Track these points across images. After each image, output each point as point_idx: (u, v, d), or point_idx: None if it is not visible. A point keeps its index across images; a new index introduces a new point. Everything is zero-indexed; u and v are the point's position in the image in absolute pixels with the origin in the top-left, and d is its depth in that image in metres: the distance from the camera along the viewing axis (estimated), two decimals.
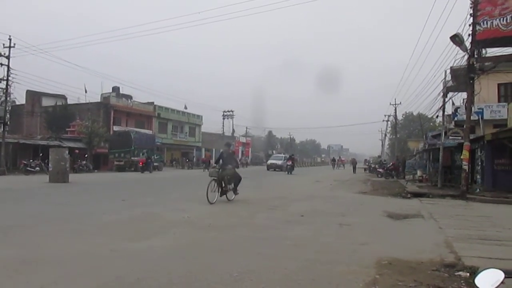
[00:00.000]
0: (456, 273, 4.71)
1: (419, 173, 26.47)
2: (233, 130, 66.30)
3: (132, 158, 35.97)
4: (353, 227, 8.10)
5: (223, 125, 64.21)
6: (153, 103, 51.72)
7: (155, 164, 39.10)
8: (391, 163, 33.43)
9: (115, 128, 42.99)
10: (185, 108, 57.11)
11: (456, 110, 22.96)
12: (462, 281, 4.43)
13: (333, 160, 63.29)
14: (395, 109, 51.25)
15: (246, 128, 78.72)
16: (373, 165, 41.68)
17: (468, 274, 4.60)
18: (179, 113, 56.58)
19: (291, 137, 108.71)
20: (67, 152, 21.06)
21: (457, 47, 15.11)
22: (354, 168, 43.15)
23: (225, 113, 64.39)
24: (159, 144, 46.02)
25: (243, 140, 78.14)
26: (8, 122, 32.49)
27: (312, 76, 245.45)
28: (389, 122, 60.49)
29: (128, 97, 48.73)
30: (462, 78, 17.24)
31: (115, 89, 48.28)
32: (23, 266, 4.85)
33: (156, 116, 51.50)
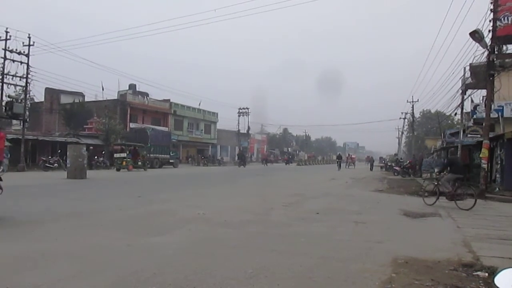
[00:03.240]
0: (474, 273, 4.63)
1: (436, 171, 26.08)
2: (249, 127, 66.24)
3: (149, 155, 36.31)
4: (369, 225, 8.03)
5: (238, 122, 64.24)
6: (169, 100, 52.10)
7: (170, 160, 39.48)
8: (408, 161, 33.04)
9: (132, 125, 43.43)
10: (199, 104, 57.42)
11: (475, 107, 22.55)
12: (480, 281, 4.35)
13: (339, 157, 45.82)
14: (413, 107, 50.67)
15: (262, 125, 78.75)
16: (389, 163, 41.32)
17: (486, 274, 4.52)
18: (195, 110, 56.86)
19: (307, 134, 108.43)
20: (84, 148, 21.35)
21: (477, 44, 14.81)
22: (372, 166, 43.69)
23: (240, 110, 64.38)
24: (175, 141, 46.35)
25: (258, 137, 78.19)
26: (28, 119, 33.07)
27: (329, 73, 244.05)
28: (406, 120, 59.94)
29: (145, 94, 49.19)
30: (481, 75, 16.92)
31: (132, 87, 48.80)
32: (42, 259, 4.95)
33: (172, 113, 51.85)
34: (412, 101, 49.99)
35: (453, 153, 14.06)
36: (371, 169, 41.63)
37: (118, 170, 29.70)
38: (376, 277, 4.37)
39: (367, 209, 10.59)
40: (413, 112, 51.97)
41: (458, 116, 23.65)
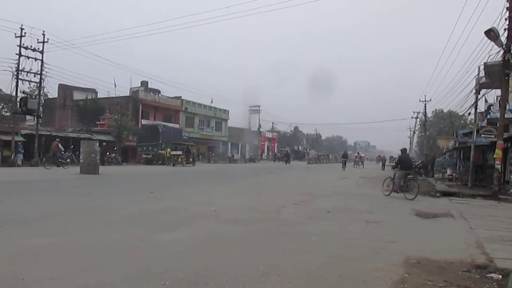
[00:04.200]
0: (487, 275, 4.60)
1: (449, 171, 25.85)
2: (259, 125, 66.37)
3: (160, 151, 36.54)
4: (381, 225, 8.00)
5: (249, 120, 64.33)
6: (180, 97, 52.26)
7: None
8: (420, 161, 32.79)
9: (144, 121, 43.67)
10: (211, 102, 57.56)
11: (489, 107, 22.23)
12: (494, 283, 4.32)
13: (344, 155, 41.59)
14: (425, 106, 50.17)
15: (272, 123, 78.70)
16: None
17: (500, 276, 4.49)
18: (206, 108, 57.00)
19: (317, 133, 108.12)
20: (97, 144, 21.54)
21: (492, 42, 14.63)
22: (383, 165, 43.44)
23: (251, 108, 64.45)
24: (186, 138, 46.51)
25: (269, 135, 78.16)
26: (41, 115, 33.44)
27: (340, 71, 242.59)
28: (418, 119, 59.44)
29: (156, 91, 49.40)
30: (496, 75, 16.69)
31: (144, 84, 49.04)
32: (57, 253, 5.04)
33: (183, 110, 52.03)
34: (425, 100, 49.53)
35: (404, 151, 15.07)
36: (382, 168, 41.39)
37: (173, 165, 34.13)
38: (388, 277, 4.36)
39: (378, 209, 10.55)
40: (425, 112, 51.52)
41: (472, 116, 23.36)
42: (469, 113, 23.99)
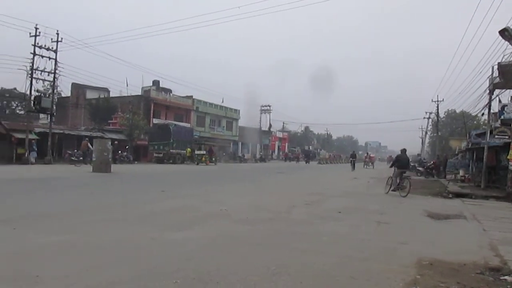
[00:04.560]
0: (501, 277, 4.54)
1: (461, 172, 25.55)
2: (270, 125, 66.26)
3: (171, 150, 36.73)
4: (392, 226, 7.95)
5: (260, 120, 64.33)
6: (191, 96, 52.45)
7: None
8: (432, 162, 32.47)
9: (155, 121, 43.90)
10: (222, 102, 57.69)
11: (503, 108, 21.93)
12: (508, 286, 4.28)
13: (353, 155, 39.46)
14: (437, 106, 49.68)
15: (283, 123, 78.58)
16: (412, 164, 40.65)
17: None
18: (217, 107, 57.13)
19: (328, 133, 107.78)
20: (110, 143, 21.74)
21: (506, 42, 14.43)
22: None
23: (262, 108, 64.46)
24: (197, 138, 46.65)
25: (279, 135, 78.08)
26: (55, 114, 33.83)
27: (351, 70, 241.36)
28: (430, 120, 58.91)
29: (168, 90, 49.64)
30: (510, 75, 16.47)
31: (155, 83, 49.30)
32: (69, 250, 5.10)
33: (194, 109, 52.22)
34: (437, 101, 49.04)
35: (403, 151, 15.68)
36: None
37: (197, 164, 36.23)
38: (400, 278, 4.33)
39: (389, 209, 10.49)
40: (437, 112, 51.02)
41: (485, 117, 23.05)
42: (483, 114, 23.69)
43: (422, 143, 70.94)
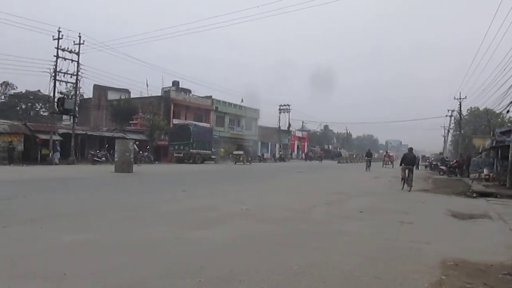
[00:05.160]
0: None
1: (485, 171, 24.99)
2: (289, 124, 66.10)
3: (191, 150, 37.04)
4: (415, 226, 7.84)
5: (279, 119, 64.25)
6: (211, 97, 52.73)
7: (212, 156, 40.04)
8: (455, 161, 31.89)
9: (175, 121, 44.32)
10: (242, 101, 57.80)
11: None
12: None
13: (368, 154, 36.32)
14: (460, 104, 48.74)
15: (302, 122, 78.33)
16: (434, 162, 40.02)
17: None
18: (236, 107, 57.26)
19: (348, 131, 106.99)
20: (131, 143, 22.05)
21: None
22: (417, 165, 42.25)
23: (281, 107, 64.36)
24: (216, 137, 46.89)
25: (299, 134, 77.85)
26: (77, 115, 34.49)
27: (372, 67, 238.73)
28: (452, 118, 57.85)
29: (187, 91, 50.04)
30: None
31: (175, 84, 49.74)
32: (95, 249, 5.21)
33: (214, 109, 52.48)
34: (460, 98, 48.10)
35: (410, 150, 17.55)
36: (417, 168, 40.48)
37: (235, 163, 39.68)
38: (425, 279, 4.27)
39: (412, 209, 10.34)
40: (460, 110, 50.05)
41: (510, 114, 22.55)
42: (508, 111, 23.17)
43: (445, 141, 69.75)
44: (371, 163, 35.19)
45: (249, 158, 42.76)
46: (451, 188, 16.99)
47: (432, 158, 51.29)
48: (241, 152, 42.66)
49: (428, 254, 5.42)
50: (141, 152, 33.91)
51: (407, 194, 14.28)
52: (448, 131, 64.93)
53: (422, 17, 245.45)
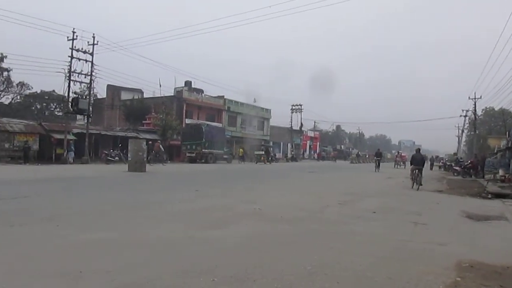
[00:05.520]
0: None
1: (501, 172, 24.63)
2: (301, 124, 65.96)
3: (203, 150, 37.16)
4: (429, 226, 7.77)
5: (291, 119, 64.15)
6: (223, 96, 52.84)
7: (224, 156, 40.16)
8: (469, 161, 31.50)
9: (187, 121, 44.47)
10: (254, 101, 57.82)
11: None
12: None
13: (378, 154, 34.76)
14: (475, 104, 48.11)
15: (314, 122, 78.09)
16: (448, 163, 39.58)
17: None
18: (248, 107, 57.26)
19: (360, 131, 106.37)
20: (144, 143, 22.21)
21: None
22: (431, 165, 41.83)
23: (293, 107, 64.25)
24: (228, 137, 46.99)
25: (311, 134, 77.63)
26: (91, 115, 34.85)
27: (385, 66, 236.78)
28: (467, 118, 57.18)
29: (200, 91, 50.21)
30: None
31: (187, 84, 49.95)
32: (110, 247, 5.26)
33: (226, 109, 52.54)
34: (475, 98, 47.49)
35: (417, 151, 18.65)
36: (431, 168, 40.09)
37: (256, 163, 41.34)
38: (440, 280, 4.24)
39: (426, 210, 10.26)
40: (475, 110, 49.41)
41: None
42: None
43: (459, 142, 69.02)
44: (381, 163, 34.06)
45: (270, 158, 44.30)
46: (466, 189, 16.80)
47: (446, 159, 50.64)
48: (262, 152, 44.19)
49: (442, 256, 5.37)
50: (153, 151, 34.12)
51: (421, 194, 14.17)
52: (462, 131, 64.29)
53: (440, 11, 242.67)
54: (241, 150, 44.39)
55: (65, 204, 8.97)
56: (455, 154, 56.00)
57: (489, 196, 14.19)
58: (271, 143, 59.32)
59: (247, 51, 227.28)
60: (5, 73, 40.42)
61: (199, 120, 45.37)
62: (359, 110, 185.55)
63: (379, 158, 33.92)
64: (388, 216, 8.93)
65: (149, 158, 30.50)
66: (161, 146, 33.18)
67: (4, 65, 39.67)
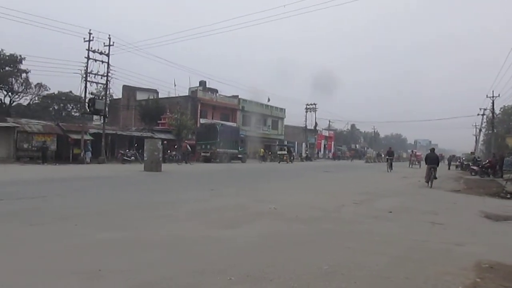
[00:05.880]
0: None
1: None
2: (316, 123, 65.70)
3: (218, 149, 37.29)
4: (447, 226, 7.67)
5: (305, 118, 63.96)
6: (237, 96, 52.96)
7: (239, 155, 40.24)
8: (488, 161, 30.98)
9: (202, 120, 44.70)
10: (268, 101, 57.79)
11: None
12: None
13: (389, 153, 31.73)
14: (493, 102, 47.34)
15: (329, 121, 77.75)
16: (465, 162, 38.99)
17: None
18: (263, 106, 57.27)
19: (375, 131, 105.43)
20: (160, 143, 22.38)
21: None
22: (449, 165, 41.36)
23: (307, 106, 64.04)
24: (243, 137, 47.08)
25: (325, 133, 77.29)
26: (107, 115, 35.25)
27: (399, 64, 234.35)
28: (484, 116, 56.27)
29: (214, 91, 50.42)
30: None
31: (202, 83, 50.22)
32: (127, 246, 5.33)
33: (240, 109, 52.65)
34: (493, 96, 46.73)
35: (432, 150, 19.33)
36: (449, 168, 39.59)
37: (278, 162, 43.08)
38: (458, 281, 4.18)
39: (443, 210, 10.12)
40: (493, 108, 48.61)
41: None
42: None
43: (476, 141, 67.93)
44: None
45: (291, 158, 46.45)
46: (484, 188, 16.53)
47: (463, 158, 49.89)
48: (285, 152, 46.52)
49: (460, 256, 5.31)
50: (169, 151, 34.37)
51: (437, 194, 14.00)
52: (480, 130, 63.27)
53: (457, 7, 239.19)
54: (262, 150, 46.16)
55: (83, 204, 9.10)
56: (472, 153, 55.12)
57: (508, 196, 13.93)
58: (285, 143, 59.33)
59: (259, 51, 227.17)
60: (23, 75, 41.05)
61: (214, 120, 45.55)
62: (374, 109, 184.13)
63: (391, 158, 31.33)
64: (404, 216, 8.85)
65: (177, 157, 33.62)
66: (188, 146, 34.76)
67: (22, 66, 40.30)
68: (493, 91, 47.23)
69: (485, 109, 54.19)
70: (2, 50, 39.28)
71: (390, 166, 30.04)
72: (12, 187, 11.79)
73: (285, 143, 61.29)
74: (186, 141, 36.35)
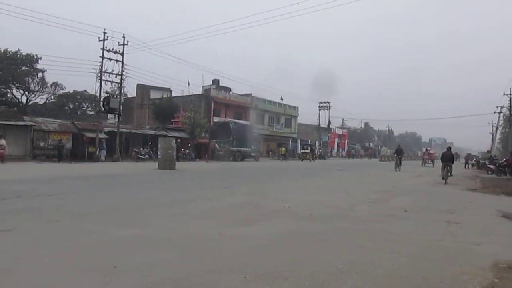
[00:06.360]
0: None
1: None
2: (329, 122, 65.42)
3: (231, 148, 37.37)
4: (463, 226, 7.56)
5: (319, 117, 63.71)
6: (250, 94, 52.98)
7: (252, 154, 40.26)
8: (505, 159, 30.47)
9: (215, 119, 44.84)
10: (282, 99, 57.70)
11: None
12: None
13: (398, 151, 29.37)
14: (510, 100, 46.60)
15: (343, 119, 77.32)
16: (482, 161, 38.42)
17: None
18: (276, 105, 57.20)
19: (389, 129, 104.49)
20: (174, 141, 22.52)
21: None
22: (466, 163, 40.67)
23: (321, 104, 63.76)
24: (256, 135, 47.09)
25: (339, 131, 76.89)
26: (122, 114, 35.58)
27: (411, 61, 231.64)
28: (501, 114, 55.41)
29: (227, 89, 50.54)
30: None
31: (215, 82, 50.36)
32: (142, 244, 5.37)
33: (253, 107, 52.66)
34: (510, 94, 46.01)
35: (448, 149, 20.85)
36: (465, 167, 39.05)
37: (302, 160, 45.14)
38: (476, 281, 4.12)
39: (459, 209, 9.98)
40: (510, 106, 47.82)
41: None
42: None
43: (493, 139, 66.89)
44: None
45: (314, 156, 49.16)
46: (501, 187, 16.24)
47: (480, 157, 49.11)
48: (308, 151, 48.88)
49: (478, 256, 5.23)
50: (182, 149, 34.53)
51: (453, 193, 13.82)
52: (497, 128, 62.31)
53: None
54: (283, 149, 46.59)
55: (98, 201, 9.20)
56: (488, 151, 54.33)
57: None
58: (298, 141, 59.25)
59: (271, 50, 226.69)
60: (40, 74, 41.66)
61: (227, 118, 45.65)
62: (387, 106, 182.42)
63: (399, 156, 29.04)
64: (420, 215, 8.76)
65: (206, 155, 35.74)
66: (216, 144, 36.11)
67: (39, 66, 40.89)
68: (510, 88, 46.48)
69: (502, 107, 53.38)
70: (19, 50, 39.99)
71: (399, 165, 28.09)
72: (29, 185, 11.97)
73: (298, 141, 61.26)
74: (213, 141, 38.04)
